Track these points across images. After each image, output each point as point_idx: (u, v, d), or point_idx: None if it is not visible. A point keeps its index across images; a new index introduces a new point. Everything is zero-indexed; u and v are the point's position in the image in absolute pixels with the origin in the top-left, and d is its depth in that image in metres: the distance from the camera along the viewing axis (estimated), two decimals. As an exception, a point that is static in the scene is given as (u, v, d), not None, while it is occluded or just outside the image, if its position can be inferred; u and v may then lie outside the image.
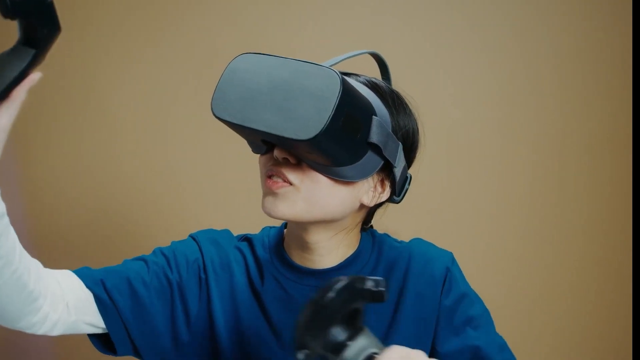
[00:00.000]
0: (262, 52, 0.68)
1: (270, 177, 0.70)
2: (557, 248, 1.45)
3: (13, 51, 0.56)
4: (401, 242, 0.84)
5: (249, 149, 0.76)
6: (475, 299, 0.80)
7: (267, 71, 0.65)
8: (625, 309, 1.41)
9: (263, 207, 0.71)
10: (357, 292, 0.57)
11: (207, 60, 1.38)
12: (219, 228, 0.87)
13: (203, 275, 0.79)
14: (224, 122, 0.68)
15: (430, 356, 0.74)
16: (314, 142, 0.62)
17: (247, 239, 0.84)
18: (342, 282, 0.57)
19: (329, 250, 0.77)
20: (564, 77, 1.42)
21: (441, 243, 0.86)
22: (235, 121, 0.66)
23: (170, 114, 1.41)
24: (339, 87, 0.61)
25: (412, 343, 0.74)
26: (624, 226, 1.41)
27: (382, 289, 0.56)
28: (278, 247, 0.80)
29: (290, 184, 0.69)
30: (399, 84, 0.81)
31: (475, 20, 1.41)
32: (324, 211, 0.71)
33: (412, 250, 0.81)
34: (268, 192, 0.71)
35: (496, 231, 1.45)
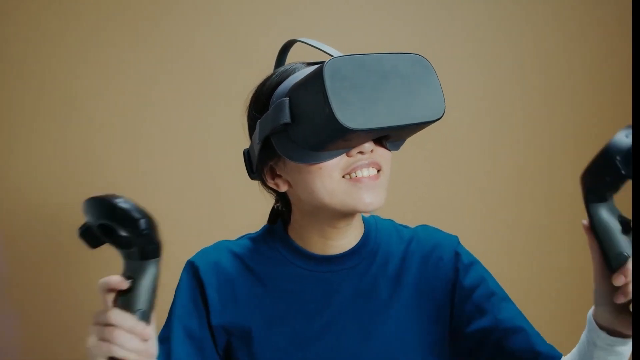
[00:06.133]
0: (348, 54, 0.67)
1: (359, 170, 0.70)
2: (555, 247, 1.46)
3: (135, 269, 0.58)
4: (406, 225, 0.86)
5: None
6: (489, 274, 0.82)
7: (373, 69, 0.66)
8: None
9: (363, 202, 0.70)
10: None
11: (188, 58, 1.34)
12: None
13: (205, 304, 0.78)
14: (359, 132, 0.64)
15: (454, 336, 0.77)
16: None
17: (249, 238, 0.84)
18: None
19: (352, 231, 0.78)
20: (560, 77, 1.44)
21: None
22: (382, 125, 0.65)
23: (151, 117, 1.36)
24: (430, 63, 0.69)
25: (412, 313, 0.77)
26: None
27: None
28: (286, 240, 0.80)
29: (378, 170, 0.71)
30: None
31: (464, 19, 1.41)
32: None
33: (419, 233, 0.84)
34: (360, 186, 0.70)
35: (496, 228, 1.46)
